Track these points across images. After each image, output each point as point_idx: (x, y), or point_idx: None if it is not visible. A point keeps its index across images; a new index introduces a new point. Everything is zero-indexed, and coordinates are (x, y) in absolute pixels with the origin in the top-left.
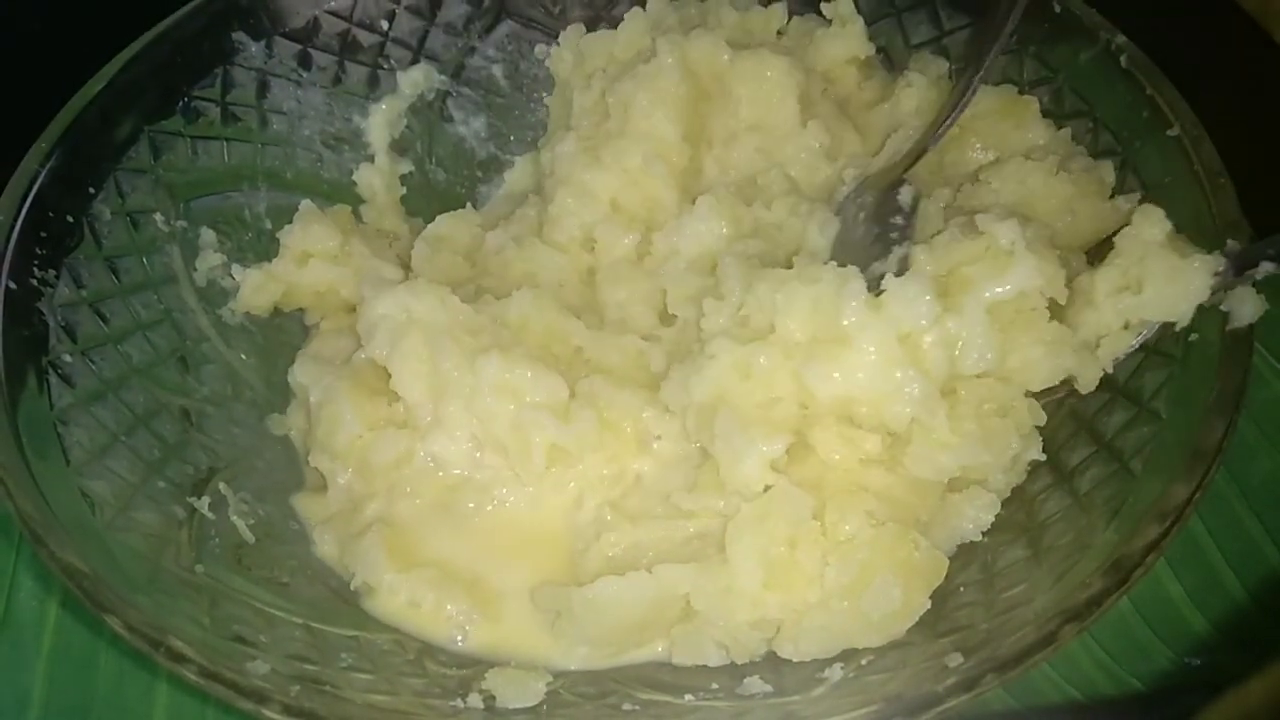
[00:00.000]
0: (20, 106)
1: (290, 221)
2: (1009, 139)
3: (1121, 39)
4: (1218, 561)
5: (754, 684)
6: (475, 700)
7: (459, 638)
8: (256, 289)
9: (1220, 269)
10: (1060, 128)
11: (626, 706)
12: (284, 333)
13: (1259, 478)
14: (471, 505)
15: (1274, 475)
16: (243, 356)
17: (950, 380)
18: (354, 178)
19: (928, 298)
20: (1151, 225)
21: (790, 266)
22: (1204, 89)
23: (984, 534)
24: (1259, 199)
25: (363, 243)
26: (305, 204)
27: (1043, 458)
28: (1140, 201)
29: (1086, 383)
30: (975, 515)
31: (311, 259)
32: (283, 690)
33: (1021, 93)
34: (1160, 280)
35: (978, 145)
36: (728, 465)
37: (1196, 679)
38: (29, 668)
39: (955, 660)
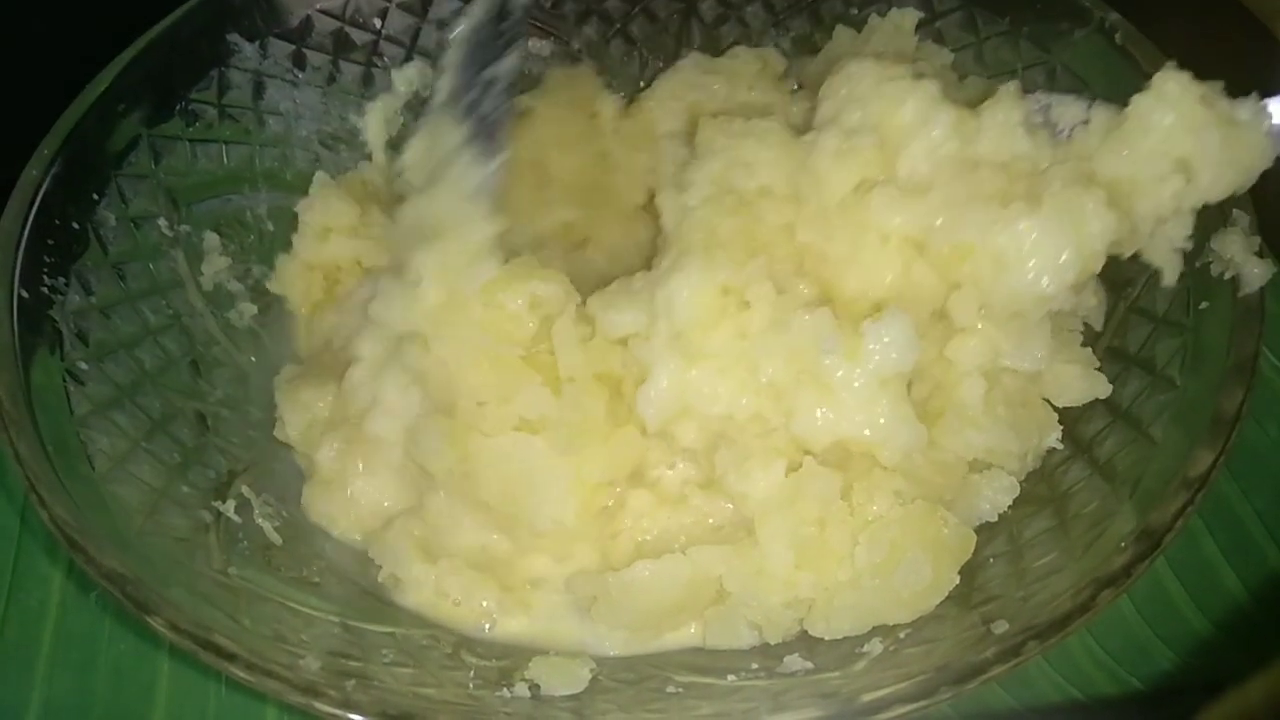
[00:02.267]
0: (22, 107)
1: (291, 223)
2: None
3: (1115, 16)
4: (1218, 561)
5: (794, 662)
6: (521, 689)
7: (489, 627)
8: (302, 290)
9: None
10: None
11: (669, 689)
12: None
13: (1260, 477)
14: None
15: (1275, 474)
16: (252, 359)
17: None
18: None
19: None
20: (1177, 88)
21: None
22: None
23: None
24: (1260, 199)
25: (380, 210)
26: (319, 175)
27: (1060, 445)
28: None
29: (1170, 272)
30: (994, 497)
31: (332, 233)
32: (337, 685)
33: (1015, 74)
34: (1212, 157)
35: None
36: (736, 496)
37: (1196, 679)
38: (29, 668)
39: (1001, 627)
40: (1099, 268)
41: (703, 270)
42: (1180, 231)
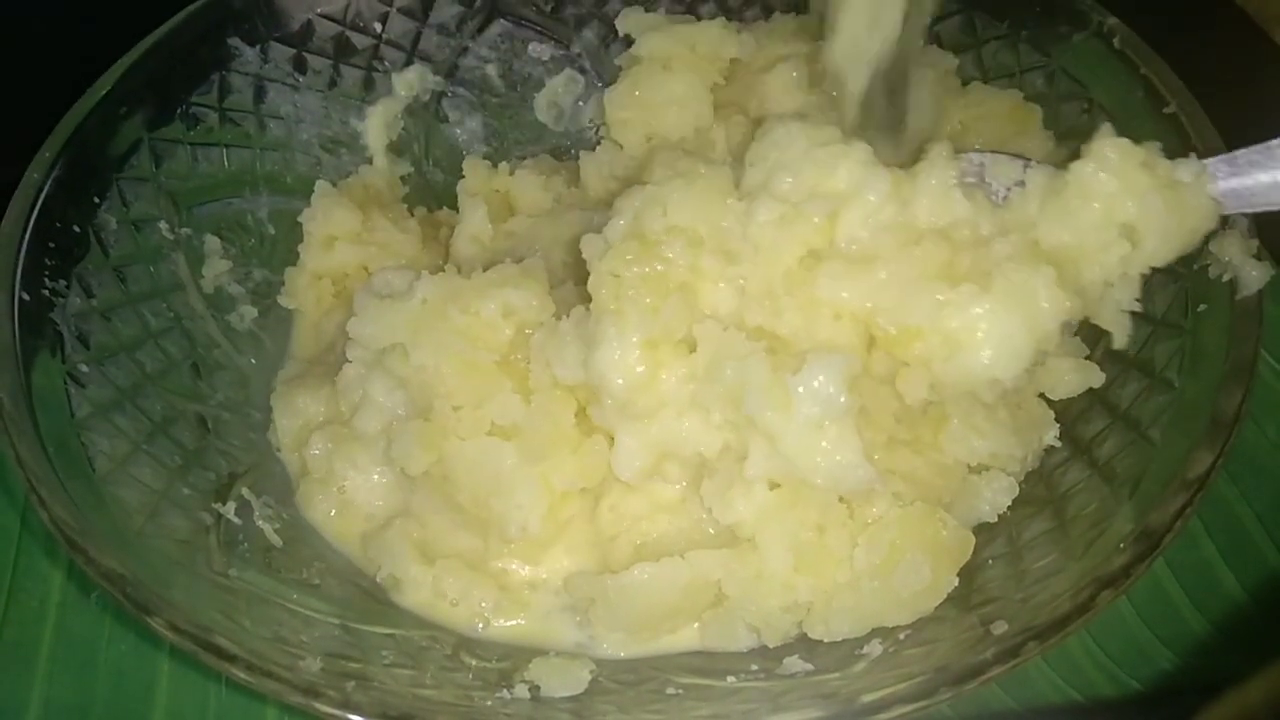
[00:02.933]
0: (23, 110)
1: (292, 226)
2: (1009, 145)
3: (1113, 21)
4: (1217, 562)
5: (794, 663)
6: (521, 691)
7: (483, 627)
8: (313, 301)
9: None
10: (1058, 107)
11: (669, 691)
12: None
13: (1259, 478)
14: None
15: (1274, 476)
16: (252, 361)
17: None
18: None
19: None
20: (1117, 153)
21: None
22: (1203, 89)
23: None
24: None
25: (381, 214)
26: (320, 184)
27: (1058, 443)
28: None
29: (1119, 335)
30: (993, 498)
31: (337, 241)
32: (337, 686)
33: (1014, 78)
34: (1157, 222)
35: (978, 144)
36: (730, 525)
37: (1195, 680)
38: (29, 668)
39: (1000, 628)
40: (1053, 346)
41: (618, 337)
42: (1128, 294)
